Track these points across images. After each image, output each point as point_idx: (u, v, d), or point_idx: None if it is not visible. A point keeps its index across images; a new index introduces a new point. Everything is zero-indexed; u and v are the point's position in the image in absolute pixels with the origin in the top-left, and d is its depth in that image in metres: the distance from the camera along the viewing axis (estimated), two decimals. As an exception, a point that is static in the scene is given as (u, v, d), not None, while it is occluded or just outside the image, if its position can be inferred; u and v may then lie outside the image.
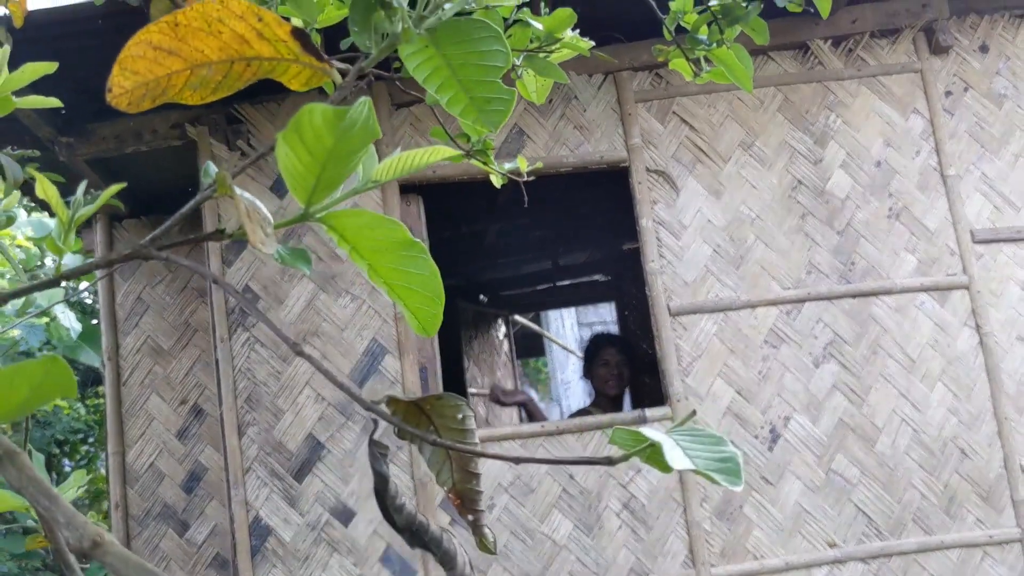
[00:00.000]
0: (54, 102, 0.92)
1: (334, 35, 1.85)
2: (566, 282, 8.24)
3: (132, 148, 3.81)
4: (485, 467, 3.61)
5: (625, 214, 4.05)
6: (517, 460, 0.56)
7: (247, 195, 0.52)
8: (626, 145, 3.93)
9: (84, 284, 10.30)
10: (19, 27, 2.91)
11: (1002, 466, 3.79)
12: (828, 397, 3.79)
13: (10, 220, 0.88)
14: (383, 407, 0.58)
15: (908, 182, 3.98)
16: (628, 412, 3.84)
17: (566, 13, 1.57)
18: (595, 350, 4.82)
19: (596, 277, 8.14)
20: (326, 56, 0.53)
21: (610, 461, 0.53)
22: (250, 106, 3.82)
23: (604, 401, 4.67)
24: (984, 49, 4.14)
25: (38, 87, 3.78)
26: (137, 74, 0.52)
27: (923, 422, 3.80)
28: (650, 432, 0.49)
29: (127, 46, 0.52)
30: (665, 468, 0.49)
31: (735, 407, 3.76)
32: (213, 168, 0.55)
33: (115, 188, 0.68)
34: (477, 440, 0.60)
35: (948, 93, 4.08)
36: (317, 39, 1.80)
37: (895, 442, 3.77)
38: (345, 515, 3.58)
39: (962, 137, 4.04)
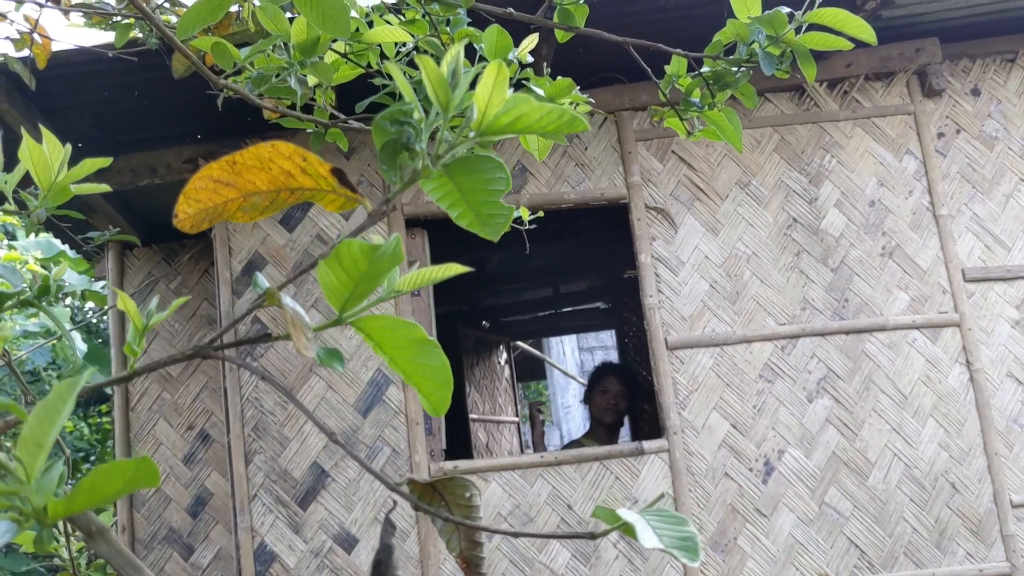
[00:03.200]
0: (104, 188, 1.01)
1: (348, 88, 1.97)
2: (567, 309, 8.34)
3: (146, 181, 3.93)
4: (485, 496, 3.69)
5: (625, 243, 4.15)
6: (515, 534, 0.65)
7: (290, 302, 0.62)
8: (626, 182, 4.04)
9: (90, 304, 10.42)
10: (42, 68, 3.04)
11: (992, 501, 3.86)
12: (821, 431, 3.87)
13: (59, 288, 0.98)
14: (404, 488, 0.68)
15: (901, 221, 4.08)
16: (626, 444, 3.92)
17: (566, 82, 1.67)
18: (597, 378, 4.90)
19: (597, 304, 8.23)
20: (358, 189, 0.63)
21: (592, 536, 0.62)
22: (261, 141, 3.93)
23: (600, 429, 4.75)
24: (976, 92, 4.25)
25: (57, 124, 3.89)
26: (199, 202, 0.62)
27: (915, 457, 3.88)
28: (626, 513, 0.58)
29: (192, 180, 0.62)
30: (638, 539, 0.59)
31: (730, 440, 3.85)
32: (263, 281, 0.65)
33: (166, 314, 0.77)
34: (481, 515, 0.69)
35: (940, 135, 4.19)
36: (331, 96, 1.91)
37: (887, 476, 3.85)
38: (348, 542, 3.66)
39: (954, 178, 4.15)
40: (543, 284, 7.60)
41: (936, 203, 4.10)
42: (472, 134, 0.66)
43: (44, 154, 0.89)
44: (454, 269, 0.70)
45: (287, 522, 3.67)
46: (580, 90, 4.24)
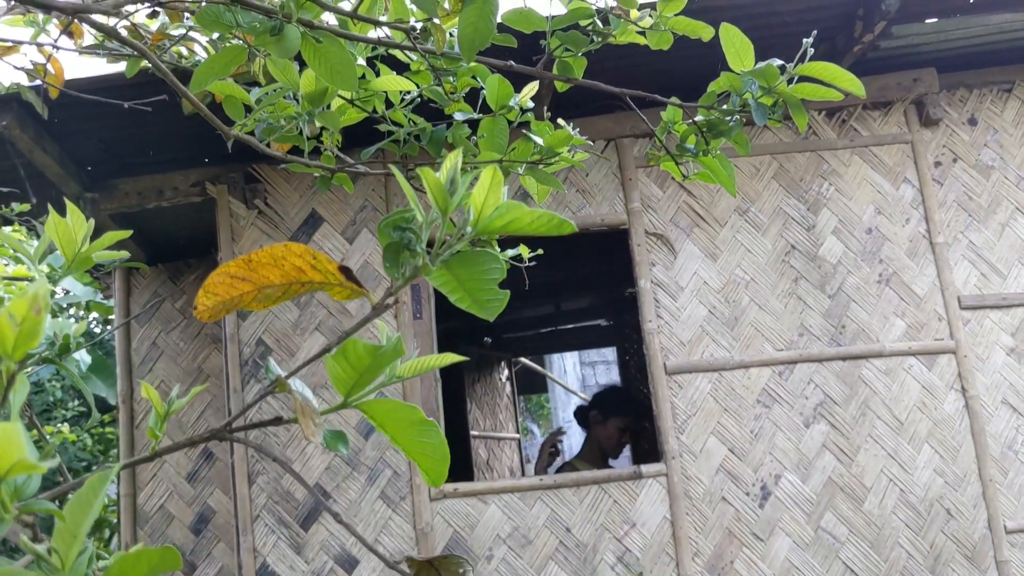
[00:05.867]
0: (123, 254, 1.07)
1: (354, 130, 2.03)
2: (568, 326, 8.39)
3: (154, 204, 3.99)
4: (484, 518, 3.73)
5: (626, 262, 4.18)
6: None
7: (299, 389, 0.67)
8: (626, 209, 4.09)
9: (94, 314, 10.51)
10: (55, 98, 3.10)
11: (986, 527, 3.90)
12: (818, 456, 3.92)
13: (79, 346, 1.02)
14: (403, 566, 0.73)
15: (898, 249, 4.13)
16: (625, 468, 3.96)
17: (564, 134, 1.73)
18: (613, 410, 4.76)
19: (598, 322, 8.28)
20: (363, 285, 0.68)
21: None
22: (268, 166, 4.00)
23: (595, 452, 4.73)
24: (973, 122, 4.31)
25: (66, 147, 3.95)
26: (217, 295, 0.67)
27: (910, 482, 3.92)
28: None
29: (211, 276, 0.67)
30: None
31: (728, 464, 3.89)
32: (275, 367, 0.71)
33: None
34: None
35: (937, 163, 4.25)
36: (338, 139, 1.97)
37: (883, 501, 3.89)
38: (349, 563, 3.71)
39: (951, 206, 4.20)
40: (544, 301, 7.65)
41: (933, 231, 4.15)
42: (469, 231, 0.71)
43: (68, 227, 0.95)
44: (450, 358, 0.75)
45: (289, 543, 3.72)
46: (582, 117, 4.29)
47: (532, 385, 12.28)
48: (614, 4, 1.65)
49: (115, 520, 7.81)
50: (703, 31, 1.54)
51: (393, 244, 0.67)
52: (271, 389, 0.69)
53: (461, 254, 0.70)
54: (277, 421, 0.72)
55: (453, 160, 0.68)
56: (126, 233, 1.04)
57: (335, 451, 0.71)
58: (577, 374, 13.82)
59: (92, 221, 0.97)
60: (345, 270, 0.68)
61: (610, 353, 12.39)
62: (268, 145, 1.71)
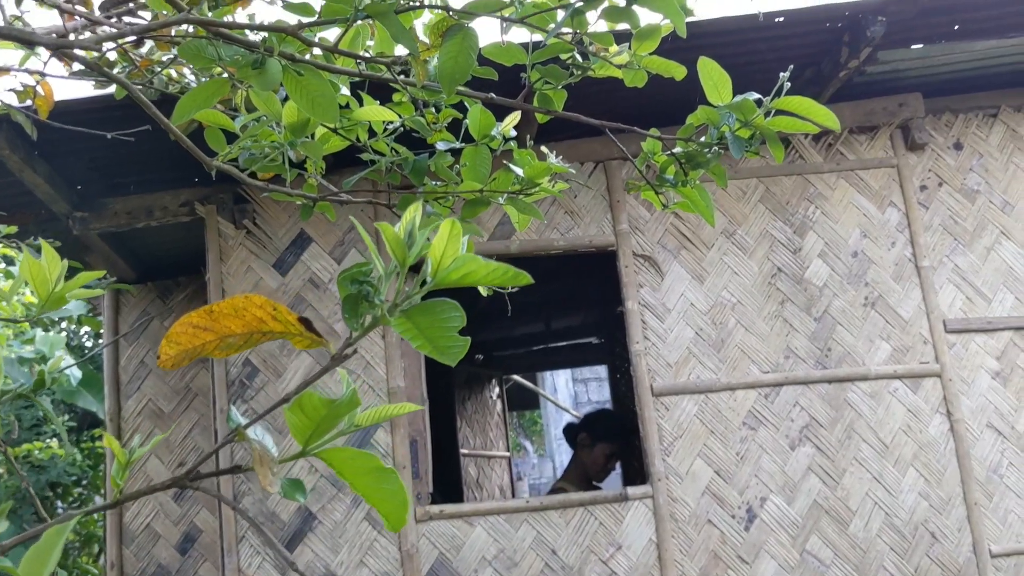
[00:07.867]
0: (98, 291, 1.08)
1: (339, 154, 2.05)
2: (560, 344, 8.39)
3: (143, 223, 4.00)
4: (470, 540, 3.73)
5: (617, 280, 4.18)
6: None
7: (258, 437, 0.69)
8: (614, 230, 4.12)
9: (86, 329, 10.48)
10: (44, 119, 3.12)
11: (971, 550, 3.91)
12: (803, 479, 3.93)
13: (55, 381, 1.03)
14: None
15: (884, 272, 4.16)
16: (611, 491, 3.97)
17: (543, 166, 1.75)
18: (602, 434, 4.69)
19: (590, 339, 8.29)
20: (321, 335, 0.70)
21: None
22: (257, 190, 4.01)
23: (581, 473, 4.71)
24: (958, 146, 4.35)
25: (56, 167, 3.96)
26: (179, 344, 0.69)
27: (895, 505, 3.93)
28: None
29: (174, 326, 0.69)
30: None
31: (713, 487, 3.90)
32: (236, 416, 0.72)
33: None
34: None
35: (923, 187, 4.28)
36: (322, 167, 1.99)
37: (868, 524, 3.90)
38: (334, 584, 3.70)
39: (936, 230, 4.23)
40: (536, 320, 7.66)
41: (918, 255, 4.18)
42: (428, 280, 0.73)
43: (42, 268, 0.96)
44: (408, 408, 0.76)
45: (274, 563, 3.71)
46: (570, 140, 4.30)
47: (524, 401, 12.27)
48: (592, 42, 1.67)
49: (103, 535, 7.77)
50: (676, 70, 1.57)
51: (352, 296, 0.68)
52: (231, 438, 0.70)
53: (420, 305, 0.72)
54: (236, 470, 0.73)
55: (412, 214, 0.70)
56: (99, 273, 1.06)
57: (293, 500, 0.72)
58: (569, 391, 13.82)
59: (65, 262, 0.98)
60: (305, 321, 0.69)
61: (603, 370, 12.40)
62: (252, 175, 1.72)
